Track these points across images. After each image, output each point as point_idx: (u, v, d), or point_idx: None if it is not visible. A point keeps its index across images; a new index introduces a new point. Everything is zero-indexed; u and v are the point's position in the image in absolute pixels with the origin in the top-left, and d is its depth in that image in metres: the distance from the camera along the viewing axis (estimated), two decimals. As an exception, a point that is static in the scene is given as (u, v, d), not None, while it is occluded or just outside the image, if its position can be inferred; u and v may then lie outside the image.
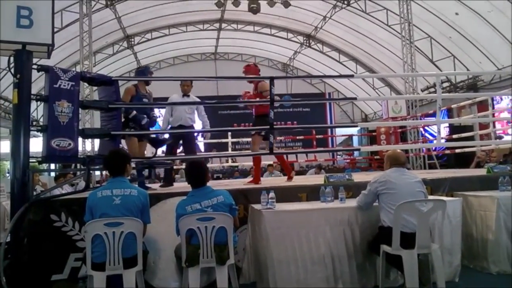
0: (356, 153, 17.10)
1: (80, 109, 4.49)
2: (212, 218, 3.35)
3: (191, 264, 3.32)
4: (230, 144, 11.49)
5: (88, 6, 13.56)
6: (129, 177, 3.75)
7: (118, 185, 3.43)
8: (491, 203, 4.28)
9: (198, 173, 3.62)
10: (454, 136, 9.82)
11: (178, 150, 6.22)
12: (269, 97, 5.08)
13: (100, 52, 18.24)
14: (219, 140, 11.57)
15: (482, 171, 5.91)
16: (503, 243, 4.21)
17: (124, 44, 18.93)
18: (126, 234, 3.21)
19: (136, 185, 4.11)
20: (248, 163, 12.97)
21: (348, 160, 15.32)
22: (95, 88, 7.96)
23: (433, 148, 10.99)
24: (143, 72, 5.74)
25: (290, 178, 6.02)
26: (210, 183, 3.77)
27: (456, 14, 13.57)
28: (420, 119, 11.85)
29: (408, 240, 3.37)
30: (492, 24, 12.88)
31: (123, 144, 5.38)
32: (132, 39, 18.91)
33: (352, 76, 10.51)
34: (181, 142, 6.01)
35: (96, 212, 3.31)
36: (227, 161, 14.17)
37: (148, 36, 18.90)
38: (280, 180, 6.77)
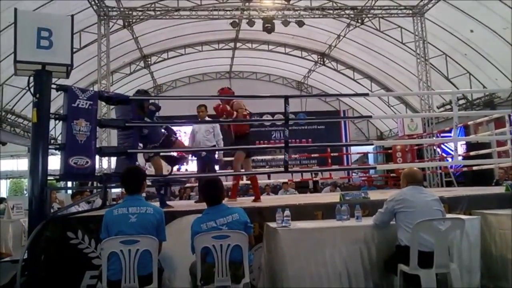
0: (371, 171, 16.96)
1: (97, 128, 4.56)
2: (227, 236, 3.34)
3: (206, 283, 3.30)
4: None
5: (106, 27, 13.87)
6: (144, 195, 3.78)
7: (134, 203, 3.46)
8: (510, 222, 4.19)
9: (213, 191, 3.63)
10: (472, 153, 9.69)
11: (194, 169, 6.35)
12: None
13: (118, 72, 18.57)
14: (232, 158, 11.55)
15: (500, 189, 5.80)
16: (523, 263, 4.11)
17: (141, 63, 19.26)
18: (141, 252, 3.22)
19: (152, 203, 4.13)
20: (263, 181, 12.95)
21: (363, 178, 15.19)
22: (112, 106, 8.11)
23: (450, 166, 10.84)
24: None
25: (256, 200, 6.06)
26: (225, 201, 3.78)
27: (471, 31, 13.52)
28: (437, 136, 11.72)
29: (426, 259, 3.32)
30: (508, 41, 12.79)
31: (140, 162, 5.43)
32: (149, 59, 19.24)
33: (367, 94, 10.50)
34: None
35: (112, 230, 3.33)
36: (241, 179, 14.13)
37: (164, 55, 19.20)
38: (295, 198, 6.74)
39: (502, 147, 8.93)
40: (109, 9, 13.66)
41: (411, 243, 3.34)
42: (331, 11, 14.66)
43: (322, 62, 20.38)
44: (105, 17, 13.68)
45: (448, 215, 3.97)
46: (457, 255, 3.69)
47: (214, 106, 6.11)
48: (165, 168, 5.65)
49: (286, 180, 11.59)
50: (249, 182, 6.29)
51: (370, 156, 20.06)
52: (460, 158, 10.02)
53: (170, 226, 4.05)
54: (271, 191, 12.10)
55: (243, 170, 6.08)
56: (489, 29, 12.94)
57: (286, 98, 5.11)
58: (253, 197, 6.42)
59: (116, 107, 5.21)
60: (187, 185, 10.42)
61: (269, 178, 13.33)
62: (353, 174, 15.11)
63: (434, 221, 3.41)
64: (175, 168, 5.84)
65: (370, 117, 11.45)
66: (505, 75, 13.78)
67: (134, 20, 14.68)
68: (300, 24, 14.40)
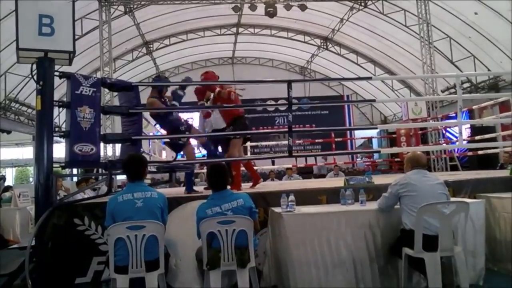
0: (376, 155, 16.95)
1: (101, 115, 4.57)
2: (232, 221, 3.36)
3: (212, 267, 3.33)
4: (249, 148, 11.50)
5: (108, 13, 13.79)
6: (149, 181, 3.79)
7: (138, 189, 3.48)
8: (515, 205, 4.19)
9: (219, 176, 3.64)
10: (476, 137, 9.66)
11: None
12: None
13: (120, 59, 18.52)
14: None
15: (505, 172, 5.79)
16: (527, 246, 4.12)
17: (143, 50, 19.21)
18: (148, 237, 3.25)
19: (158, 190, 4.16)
20: (267, 166, 12.98)
21: (368, 163, 15.18)
22: (115, 93, 8.08)
23: (455, 150, 10.82)
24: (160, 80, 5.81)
25: (254, 185, 5.87)
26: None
27: (475, 13, 13.36)
28: (441, 120, 11.68)
29: (430, 242, 3.32)
30: (512, 22, 12.65)
31: (144, 148, 5.44)
32: (151, 45, 19.17)
33: (370, 78, 10.42)
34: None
35: (119, 216, 3.34)
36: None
37: (166, 42, 19.14)
38: (299, 183, 6.74)
39: (507, 131, 8.90)
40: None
41: (416, 227, 3.35)
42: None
43: (325, 47, 20.25)
44: (106, 3, 13.59)
45: (453, 199, 3.97)
46: (461, 239, 3.70)
47: (194, 90, 5.92)
48: (170, 154, 5.67)
49: (290, 166, 11.62)
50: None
51: (374, 141, 20.04)
52: (464, 142, 10.02)
53: (176, 212, 4.09)
54: (275, 176, 12.11)
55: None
56: (494, 11, 12.78)
57: (289, 82, 5.09)
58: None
59: (120, 93, 5.20)
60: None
61: (273, 164, 13.39)
62: (357, 159, 15.09)
63: (438, 205, 3.41)
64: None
65: (374, 100, 11.44)
66: (509, 57, 13.65)
67: (135, 6, 14.58)
68: (303, 8, 14.28)
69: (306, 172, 13.81)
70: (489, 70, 14.61)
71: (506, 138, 9.01)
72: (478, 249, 3.93)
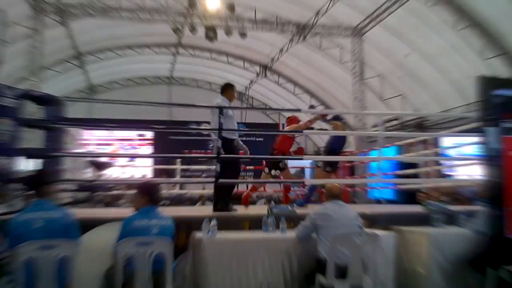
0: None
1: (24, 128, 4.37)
2: (151, 243, 3.31)
3: (126, 290, 3.25)
4: (179, 171, 11.31)
5: (40, 22, 13.25)
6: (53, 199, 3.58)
7: (41, 207, 3.32)
8: (424, 239, 4.46)
9: (155, 190, 3.66)
10: (399, 172, 10.20)
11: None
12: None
13: (50, 69, 17.70)
14: (168, 166, 11.29)
15: (419, 208, 6.16)
16: (433, 278, 4.37)
17: (76, 62, 18.50)
18: (59, 258, 3.10)
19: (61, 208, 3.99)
20: (197, 191, 12.86)
21: (299, 192, 15.46)
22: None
23: (376, 183, 11.34)
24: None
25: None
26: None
27: (406, 55, 14.30)
28: (366, 155, 12.24)
29: (342, 271, 3.47)
30: (439, 67, 13.67)
31: (66, 166, 5.24)
32: (85, 58, 18.52)
33: (299, 110, 10.84)
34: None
35: (19, 236, 3.14)
36: (173, 187, 13.89)
37: (101, 55, 18.59)
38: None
39: (428, 167, 9.49)
40: (45, 3, 13.08)
41: (329, 256, 3.49)
42: (274, 25, 14.95)
43: (264, 75, 20.65)
44: (40, 11, 13.09)
45: (367, 230, 4.17)
46: (372, 269, 3.88)
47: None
48: (93, 173, 5.51)
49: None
50: None
51: (307, 171, 20.49)
52: (388, 177, 10.57)
53: (90, 233, 3.94)
54: (205, 201, 12.04)
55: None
56: (424, 54, 13.77)
57: (220, 109, 5.16)
58: None
59: (45, 107, 5.01)
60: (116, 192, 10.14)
61: (203, 188, 13.28)
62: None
63: (351, 235, 3.58)
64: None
65: (302, 132, 11.79)
66: (435, 99, 14.69)
67: (71, 17, 14.13)
68: (243, 36, 14.56)
69: (236, 198, 13.76)
70: (416, 109, 15.56)
71: (429, 175, 9.60)
72: (387, 279, 4.12)
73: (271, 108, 21.99)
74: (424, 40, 13.19)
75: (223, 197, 5.40)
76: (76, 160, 6.60)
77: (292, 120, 7.52)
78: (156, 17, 14.04)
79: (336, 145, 7.12)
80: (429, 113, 15.02)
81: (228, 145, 5.55)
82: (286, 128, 7.10)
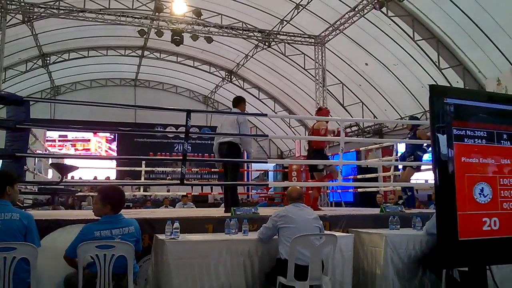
0: (272, 188, 17.51)
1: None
2: (112, 246, 3.32)
3: (87, 293, 3.24)
4: (143, 173, 11.24)
5: (3, 20, 12.90)
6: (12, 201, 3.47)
7: None
8: (380, 240, 4.64)
9: (118, 198, 3.61)
10: (359, 176, 10.51)
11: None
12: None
13: (11, 69, 17.24)
14: (133, 168, 11.17)
15: (377, 210, 6.40)
16: (389, 278, 4.55)
17: (39, 62, 18.08)
18: (19, 259, 3.07)
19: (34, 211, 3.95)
20: (161, 193, 12.79)
21: (263, 195, 15.61)
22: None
23: (337, 187, 11.61)
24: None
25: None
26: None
27: (366, 64, 14.76)
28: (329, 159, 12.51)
29: (302, 272, 3.58)
30: (397, 76, 14.17)
31: (29, 166, 5.15)
32: (48, 58, 18.13)
33: (265, 115, 11.04)
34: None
35: None
36: (137, 190, 13.77)
37: (65, 56, 18.23)
38: (189, 211, 6.81)
39: (386, 172, 9.83)
40: (8, 2, 12.74)
41: (289, 257, 3.60)
42: (240, 31, 15.10)
43: (229, 79, 20.78)
44: (2, 9, 12.74)
45: (327, 232, 4.31)
46: (331, 269, 4.02)
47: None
48: (56, 174, 5.42)
49: (184, 193, 11.58)
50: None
51: (270, 174, 20.72)
52: (349, 180, 10.86)
53: (52, 235, 3.90)
54: (169, 204, 12.01)
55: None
56: (382, 64, 14.24)
57: (188, 112, 5.21)
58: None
59: (9, 107, 4.91)
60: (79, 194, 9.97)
61: (168, 191, 13.24)
62: (253, 190, 15.46)
63: (310, 237, 3.71)
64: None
65: (267, 136, 11.99)
66: (393, 107, 15.21)
67: (34, 16, 13.83)
68: (209, 40, 14.63)
69: (201, 201, 13.83)
70: (375, 116, 16.08)
71: (386, 179, 9.94)
72: (345, 279, 4.27)
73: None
74: (383, 50, 13.66)
75: (233, 197, 5.94)
76: (39, 162, 6.46)
77: (323, 112, 7.37)
78: (122, 19, 13.90)
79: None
80: (387, 120, 15.50)
81: (237, 149, 6.06)
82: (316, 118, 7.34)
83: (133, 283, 3.43)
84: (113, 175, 14.64)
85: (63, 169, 5.22)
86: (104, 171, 13.89)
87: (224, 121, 6.14)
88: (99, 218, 3.58)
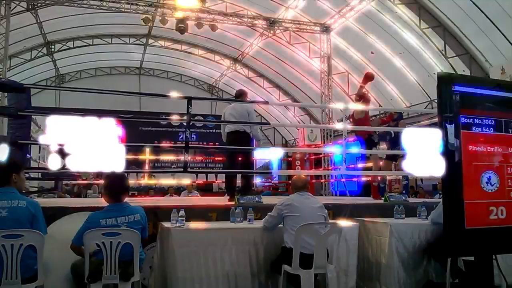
0: (276, 177, 17.54)
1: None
2: (118, 233, 3.33)
3: (93, 280, 3.26)
4: (148, 161, 11.24)
5: (7, 8, 12.87)
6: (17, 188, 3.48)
7: (3, 197, 3.24)
8: (385, 229, 4.63)
9: (119, 187, 3.61)
10: (359, 165, 10.47)
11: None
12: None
13: (16, 57, 17.24)
14: (137, 157, 11.14)
15: (381, 200, 6.39)
16: (394, 267, 4.55)
17: (44, 50, 18.06)
18: (26, 247, 3.09)
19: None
20: (167, 181, 12.80)
21: (267, 184, 15.64)
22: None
23: (341, 176, 11.60)
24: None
25: None
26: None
27: (372, 53, 14.65)
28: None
29: (307, 260, 3.59)
30: (403, 65, 14.06)
31: (33, 155, 5.17)
32: (53, 46, 18.10)
33: (267, 102, 10.97)
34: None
35: None
36: (142, 178, 13.75)
37: (70, 44, 18.18)
38: (194, 200, 6.83)
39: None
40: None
41: (294, 245, 3.61)
42: (245, 19, 15.00)
43: (234, 68, 20.70)
44: (7, -3, 12.72)
45: (331, 221, 4.31)
46: (336, 258, 4.03)
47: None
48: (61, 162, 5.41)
49: (189, 182, 11.60)
50: None
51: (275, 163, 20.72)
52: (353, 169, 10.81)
53: (57, 223, 3.93)
54: (174, 192, 12.03)
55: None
56: (388, 52, 14.11)
57: (189, 99, 5.20)
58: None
59: (10, 94, 4.93)
60: (85, 182, 10.02)
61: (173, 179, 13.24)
62: (257, 179, 15.45)
63: (315, 225, 3.71)
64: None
65: (269, 124, 12.03)
66: (399, 96, 15.11)
67: (39, 4, 13.78)
68: (214, 28, 14.55)
69: (206, 189, 13.87)
70: (380, 105, 15.97)
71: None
72: (350, 268, 4.28)
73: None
74: (389, 39, 13.53)
75: (247, 184, 6.29)
76: (43, 150, 6.48)
77: (367, 76, 7.72)
78: (126, 7, 13.84)
79: None
80: (392, 108, 15.38)
81: (247, 138, 6.31)
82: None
83: (139, 271, 3.45)
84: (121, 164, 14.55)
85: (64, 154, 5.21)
86: (110, 159, 13.79)
87: (235, 114, 6.32)
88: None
